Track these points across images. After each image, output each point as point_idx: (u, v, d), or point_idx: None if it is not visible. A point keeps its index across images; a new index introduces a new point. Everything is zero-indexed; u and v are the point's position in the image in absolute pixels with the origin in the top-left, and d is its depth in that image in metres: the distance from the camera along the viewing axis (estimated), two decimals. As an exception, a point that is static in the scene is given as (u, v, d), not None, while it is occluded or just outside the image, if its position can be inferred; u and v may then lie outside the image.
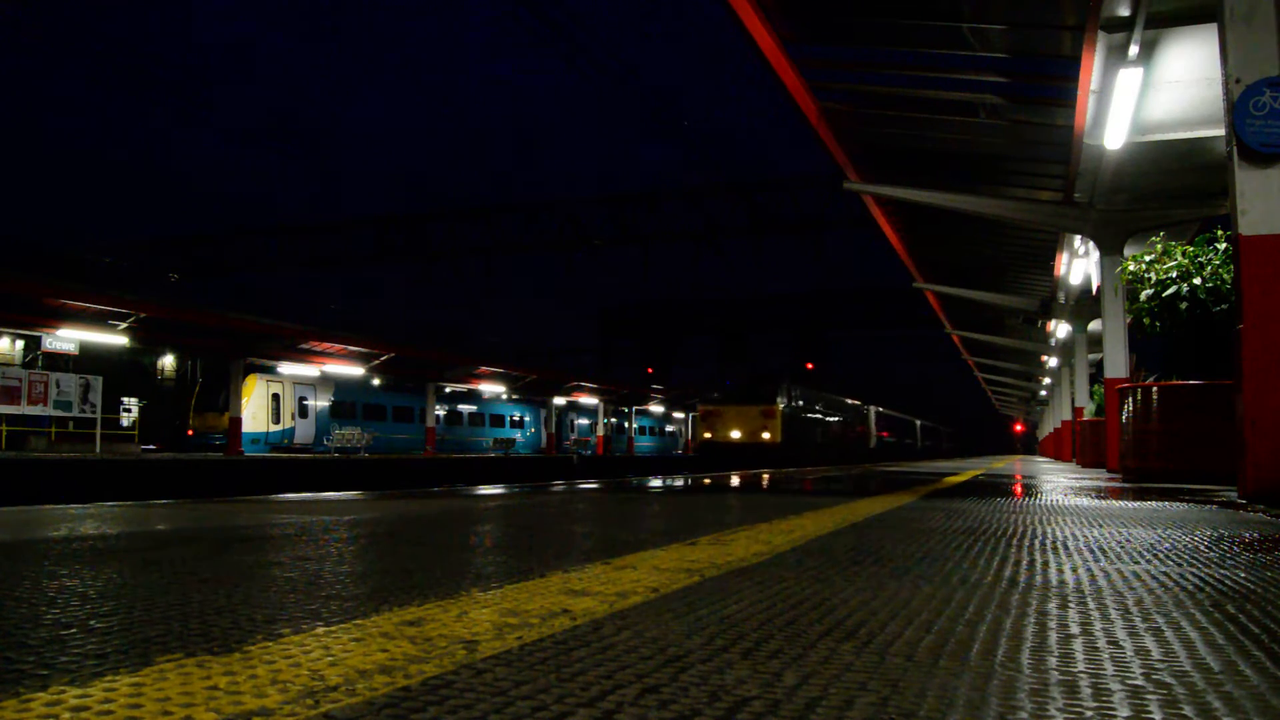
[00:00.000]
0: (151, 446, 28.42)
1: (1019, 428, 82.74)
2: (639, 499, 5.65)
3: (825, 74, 12.51)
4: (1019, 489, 7.47)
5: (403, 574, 2.25)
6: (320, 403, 32.39)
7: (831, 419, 35.54)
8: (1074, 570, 2.39)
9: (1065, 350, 23.96)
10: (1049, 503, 5.46)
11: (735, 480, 9.27)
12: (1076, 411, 19.98)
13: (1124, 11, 8.42)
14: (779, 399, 27.15)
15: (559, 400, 42.51)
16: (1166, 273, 8.34)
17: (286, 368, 29.54)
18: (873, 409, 44.95)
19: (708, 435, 27.34)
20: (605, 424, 46.01)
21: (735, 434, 27.07)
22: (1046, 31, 10.18)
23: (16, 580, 2.11)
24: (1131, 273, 8.79)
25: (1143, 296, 8.51)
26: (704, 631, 1.54)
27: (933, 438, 71.69)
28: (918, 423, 62.40)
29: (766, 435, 26.72)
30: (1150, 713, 1.09)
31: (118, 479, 16.05)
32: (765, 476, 10.16)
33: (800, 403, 29.70)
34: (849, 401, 39.86)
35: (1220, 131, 5.84)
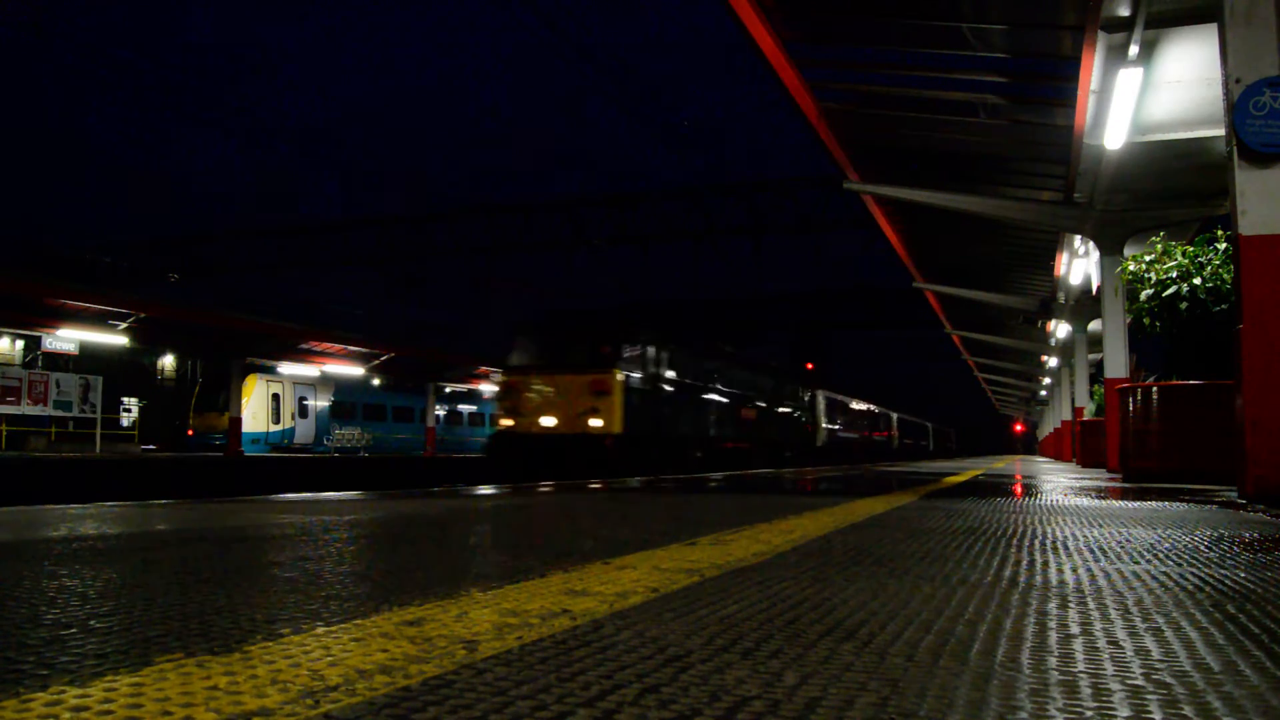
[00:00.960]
0: (151, 446, 28.44)
1: (1019, 428, 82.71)
2: (639, 499, 5.65)
3: (825, 74, 12.50)
4: (1019, 489, 7.47)
5: (403, 574, 2.25)
6: (320, 403, 32.41)
7: (737, 403, 22.85)
8: (1074, 570, 2.39)
9: (1065, 350, 23.97)
10: (1049, 503, 5.46)
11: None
12: (1076, 411, 19.99)
13: (1124, 11, 8.42)
14: (619, 366, 16.10)
15: (559, 400, 42.33)
16: (1166, 273, 8.34)
17: (286, 368, 29.57)
18: (821, 394, 32.67)
19: (507, 423, 16.34)
20: (605, 424, 45.77)
21: (548, 421, 16.09)
22: (1046, 31, 10.18)
23: (16, 580, 2.11)
24: (1131, 273, 8.80)
25: (1143, 296, 8.51)
26: (704, 631, 1.54)
27: (916, 435, 59.78)
28: (894, 416, 50.63)
29: (597, 423, 15.73)
30: (1150, 713, 1.09)
31: (118, 479, 16.06)
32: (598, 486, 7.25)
33: (666, 372, 18.06)
34: (775, 380, 27.12)
35: (1220, 131, 5.84)
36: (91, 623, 1.60)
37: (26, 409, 22.11)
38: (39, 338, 25.46)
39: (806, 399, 30.48)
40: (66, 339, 24.11)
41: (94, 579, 2.13)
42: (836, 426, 34.92)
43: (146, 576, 2.20)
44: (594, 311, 20.39)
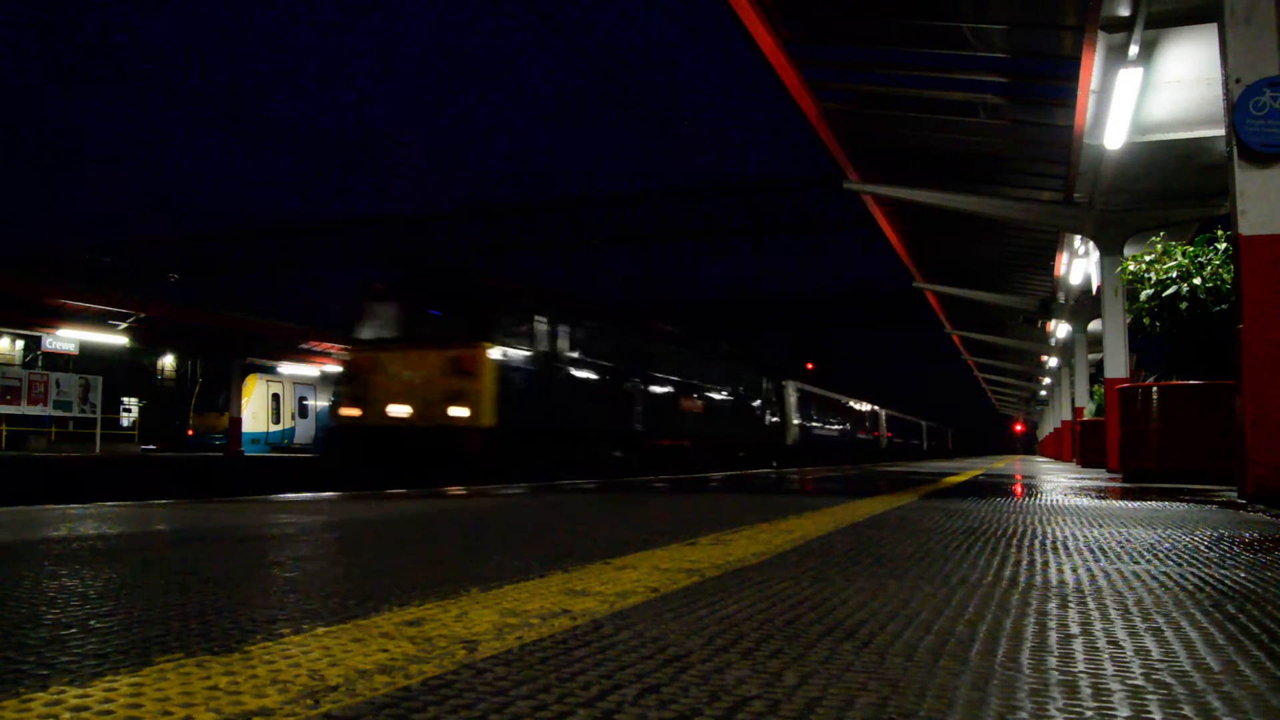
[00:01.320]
0: (151, 446, 28.43)
1: (1019, 428, 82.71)
2: (639, 499, 5.65)
3: (825, 74, 12.51)
4: (1018, 489, 7.47)
5: (403, 574, 2.25)
6: (320, 403, 32.37)
7: (675, 392, 18.60)
8: (1074, 570, 2.39)
9: (1065, 350, 23.97)
10: (1049, 503, 5.46)
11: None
12: (1076, 411, 19.98)
13: (1124, 11, 8.42)
14: (495, 338, 12.34)
15: (559, 400, 42.29)
16: (1166, 273, 8.34)
17: (286, 368, 29.57)
18: (793, 386, 28.52)
19: (351, 413, 12.66)
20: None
21: (399, 409, 12.33)
22: (1046, 31, 10.18)
23: (16, 580, 2.11)
24: (1131, 273, 8.80)
25: (1143, 296, 8.51)
26: (704, 631, 1.54)
27: (909, 434, 56.40)
28: (882, 413, 46.79)
29: (461, 412, 11.97)
30: (1150, 713, 1.09)
31: (118, 479, 16.06)
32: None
33: (567, 349, 14.12)
34: (730, 367, 22.68)
35: (1220, 131, 5.84)
36: (91, 623, 1.60)
37: (26, 409, 22.10)
38: (39, 338, 25.46)
39: (773, 391, 26.48)
40: (66, 339, 24.11)
41: (94, 579, 2.13)
42: (812, 423, 30.93)
43: (146, 576, 2.20)
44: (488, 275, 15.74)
